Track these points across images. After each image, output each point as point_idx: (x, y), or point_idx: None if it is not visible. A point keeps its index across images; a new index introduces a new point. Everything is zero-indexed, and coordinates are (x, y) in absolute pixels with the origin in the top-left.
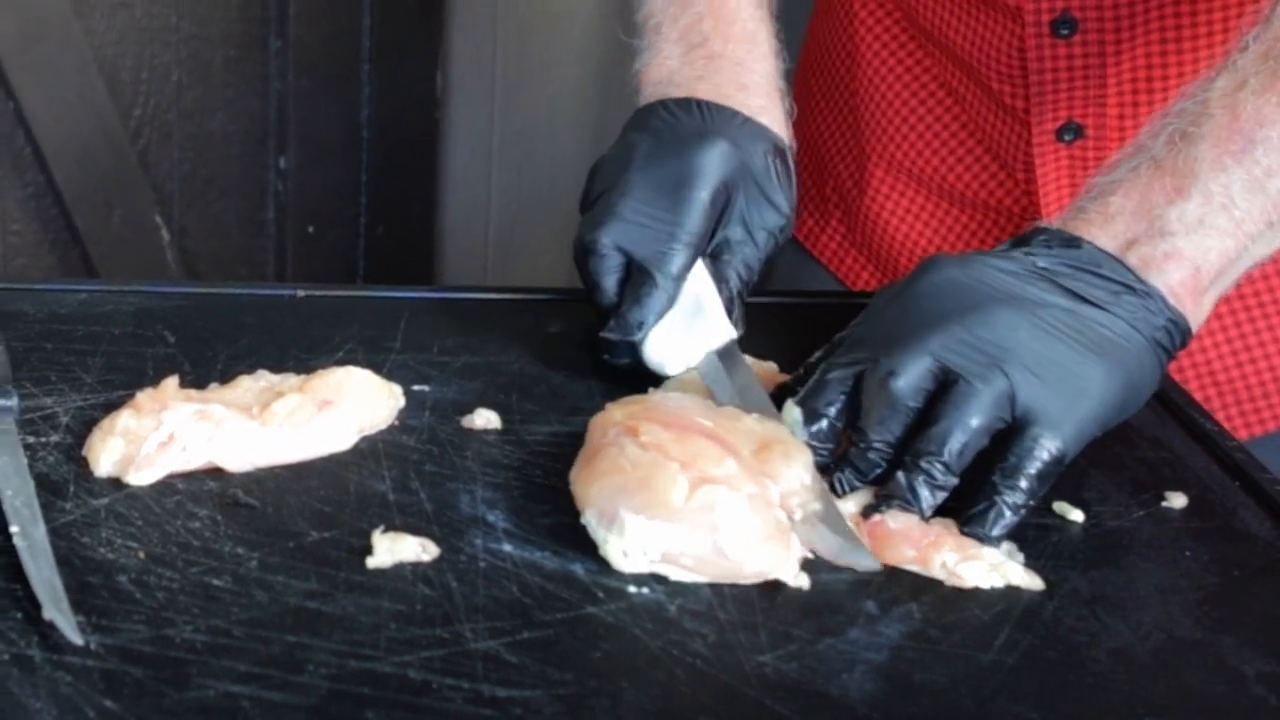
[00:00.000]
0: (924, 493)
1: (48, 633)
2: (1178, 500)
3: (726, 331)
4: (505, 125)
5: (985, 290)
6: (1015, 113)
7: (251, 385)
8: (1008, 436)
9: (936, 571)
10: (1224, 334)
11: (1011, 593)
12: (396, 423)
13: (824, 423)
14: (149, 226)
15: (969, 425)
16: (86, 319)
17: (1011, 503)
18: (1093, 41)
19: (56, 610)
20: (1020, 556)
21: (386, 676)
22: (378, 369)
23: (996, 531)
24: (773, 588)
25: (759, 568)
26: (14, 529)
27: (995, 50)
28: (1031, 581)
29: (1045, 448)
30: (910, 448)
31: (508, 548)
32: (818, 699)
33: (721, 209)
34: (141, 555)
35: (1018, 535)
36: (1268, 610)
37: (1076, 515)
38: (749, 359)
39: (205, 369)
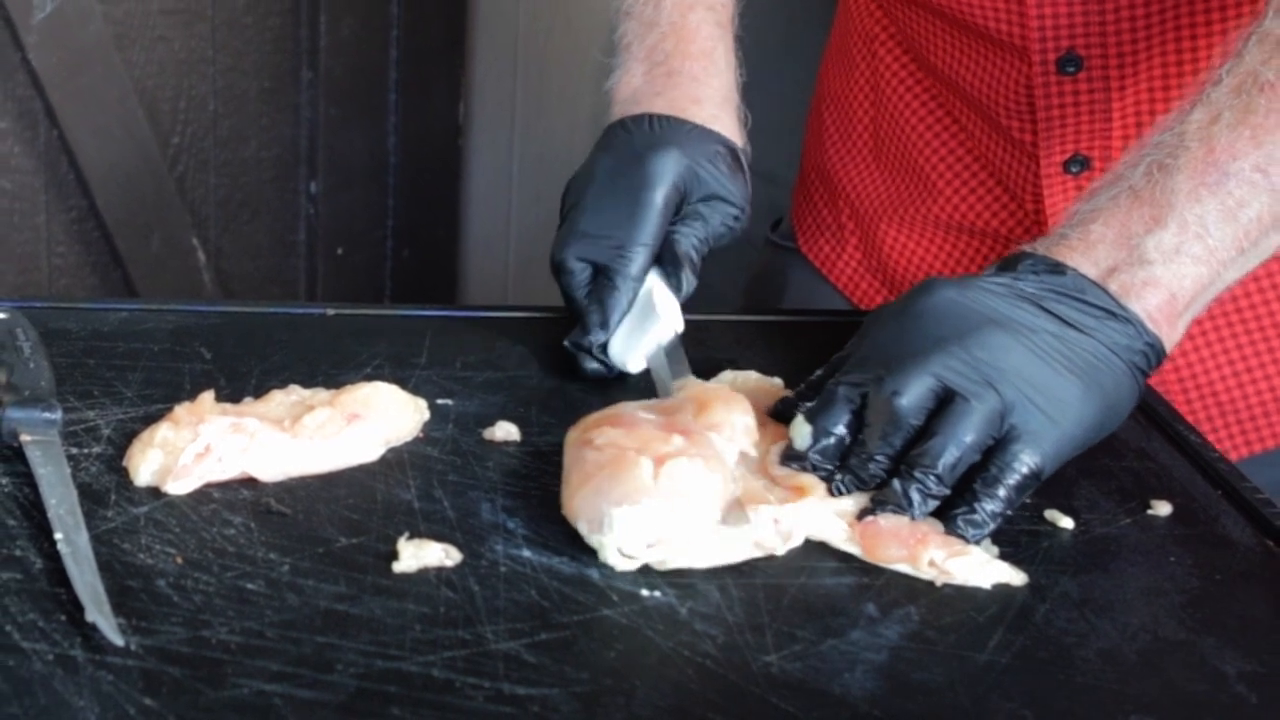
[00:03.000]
0: (916, 500)
1: (90, 634)
2: (1163, 508)
3: (672, 327)
4: (524, 152)
5: (981, 313)
6: (1024, 147)
7: (283, 399)
8: (992, 449)
9: (925, 569)
10: (1225, 356)
11: (1005, 596)
12: (421, 435)
13: (832, 439)
14: (186, 249)
15: (963, 441)
16: (127, 336)
17: (989, 510)
18: (1097, 78)
19: (98, 613)
20: (995, 550)
21: (412, 675)
22: (403, 384)
23: (972, 534)
24: (778, 591)
25: (738, 535)
26: (58, 536)
27: (1004, 88)
28: (1014, 576)
29: (1025, 463)
30: (907, 458)
31: (527, 553)
32: (821, 697)
33: (676, 207)
34: (179, 560)
35: (1011, 540)
36: (1248, 612)
37: (1067, 522)
38: (754, 375)
39: (240, 384)
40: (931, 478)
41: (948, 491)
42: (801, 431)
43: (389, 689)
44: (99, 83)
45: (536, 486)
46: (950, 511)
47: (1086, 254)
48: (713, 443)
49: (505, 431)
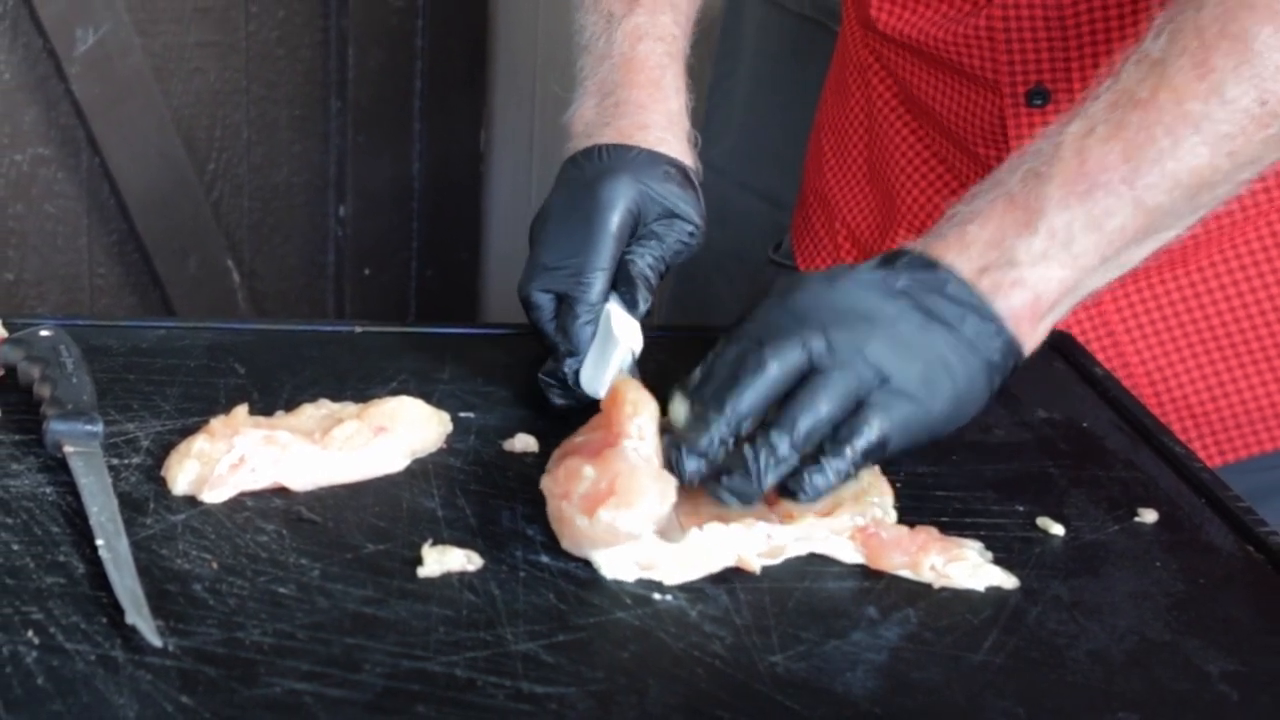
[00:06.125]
0: (764, 463)
1: (130, 636)
2: (1149, 516)
3: (629, 349)
4: (543, 177)
5: (846, 303)
6: None
7: (314, 413)
8: (843, 421)
9: (926, 574)
10: (1199, 370)
11: (999, 599)
12: (445, 446)
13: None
14: (221, 270)
15: (819, 410)
16: (165, 353)
17: (835, 467)
18: (1065, 110)
19: (138, 615)
20: (989, 555)
21: (436, 675)
22: (428, 398)
23: (809, 488)
24: (783, 595)
25: (722, 544)
26: (100, 542)
27: (978, 120)
28: (1007, 580)
29: (875, 428)
30: (761, 424)
31: (545, 559)
32: (824, 695)
33: (631, 230)
34: (214, 565)
35: (1005, 546)
36: (1230, 615)
37: (1057, 529)
38: None
39: (272, 398)
40: (785, 441)
41: (795, 460)
42: (679, 409)
43: (414, 688)
44: (138, 112)
45: None
46: (799, 470)
47: (961, 253)
48: (625, 455)
49: (524, 443)
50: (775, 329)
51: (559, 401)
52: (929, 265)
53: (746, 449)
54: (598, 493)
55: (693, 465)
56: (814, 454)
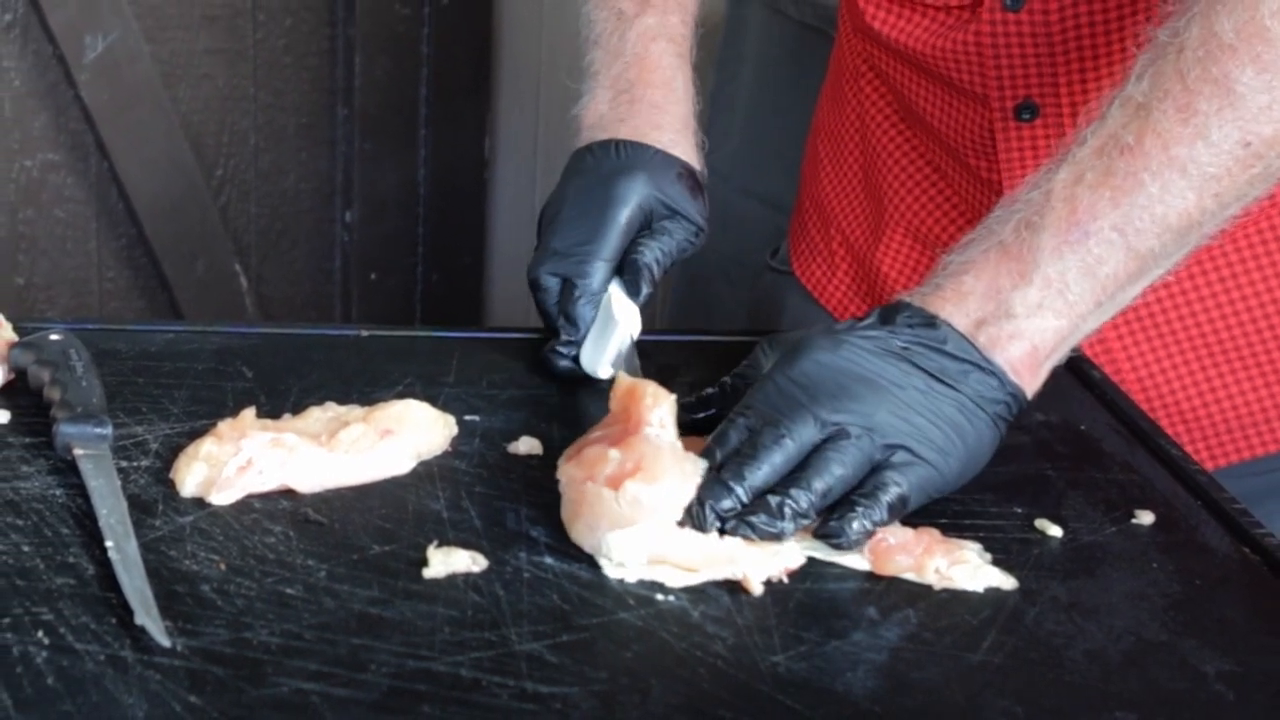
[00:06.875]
0: (787, 513)
1: (139, 636)
2: (1146, 518)
3: (629, 332)
4: (546, 183)
5: (854, 372)
6: (992, 185)
7: (320, 415)
8: (867, 478)
9: (929, 576)
10: (1190, 377)
11: (997, 599)
12: (450, 449)
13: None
14: (229, 274)
15: (834, 473)
16: (173, 356)
17: (871, 516)
18: (1053, 124)
19: (147, 616)
20: (988, 556)
21: (441, 675)
22: (433, 401)
23: (847, 533)
24: (785, 596)
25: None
26: (109, 544)
27: (969, 132)
28: (1006, 581)
29: (898, 485)
30: (785, 479)
31: (549, 560)
32: (825, 695)
33: (638, 225)
34: (222, 567)
35: (1003, 548)
36: (1226, 615)
37: (1055, 531)
38: None
39: (279, 401)
40: (804, 498)
41: (814, 515)
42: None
43: (419, 688)
44: (147, 118)
45: (557, 497)
46: (828, 520)
47: (959, 305)
48: (648, 439)
49: (529, 445)
50: (787, 404)
51: (563, 364)
52: (928, 321)
53: (771, 500)
54: (624, 471)
55: (715, 524)
56: (839, 505)
